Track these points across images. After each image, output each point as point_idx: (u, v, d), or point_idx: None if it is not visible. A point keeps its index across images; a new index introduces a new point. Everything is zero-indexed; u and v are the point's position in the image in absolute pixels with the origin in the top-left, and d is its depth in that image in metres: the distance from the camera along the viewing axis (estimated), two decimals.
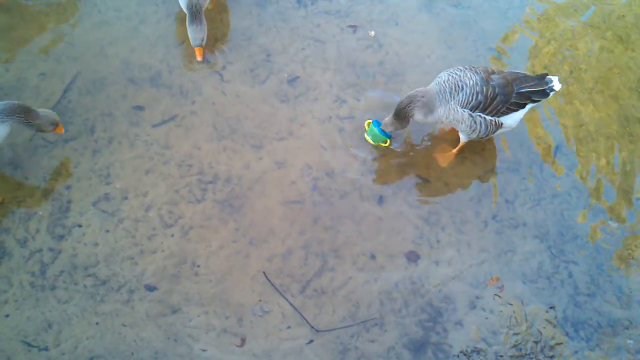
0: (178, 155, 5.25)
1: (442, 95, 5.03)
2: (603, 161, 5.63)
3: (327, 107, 5.68)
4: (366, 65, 6.01)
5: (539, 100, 5.12)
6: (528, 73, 5.19)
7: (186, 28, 5.62)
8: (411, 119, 5.17)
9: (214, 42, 5.96)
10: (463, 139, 5.33)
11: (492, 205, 5.26)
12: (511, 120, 5.16)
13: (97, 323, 4.43)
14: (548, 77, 5.14)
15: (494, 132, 5.17)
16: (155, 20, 6.10)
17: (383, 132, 5.30)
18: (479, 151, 5.51)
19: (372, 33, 6.25)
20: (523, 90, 5.02)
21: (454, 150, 5.47)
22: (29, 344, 4.30)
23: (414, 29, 6.34)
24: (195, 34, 5.62)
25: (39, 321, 4.40)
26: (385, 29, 6.29)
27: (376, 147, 5.41)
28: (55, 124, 4.90)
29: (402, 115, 5.10)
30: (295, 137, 5.47)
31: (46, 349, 4.30)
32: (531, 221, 5.21)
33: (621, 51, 6.42)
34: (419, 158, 5.45)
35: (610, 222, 5.27)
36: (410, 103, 5.04)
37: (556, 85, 5.13)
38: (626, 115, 5.94)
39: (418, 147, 5.52)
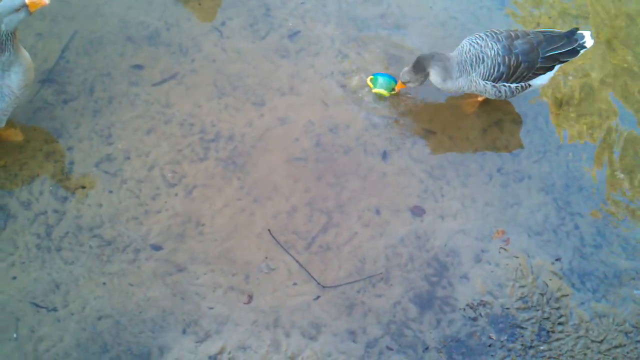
0: (179, 114, 5.19)
1: (463, 66, 4.90)
2: (610, 112, 5.56)
3: (329, 62, 5.60)
4: (367, 18, 5.90)
5: (568, 60, 4.92)
6: (556, 31, 4.92)
7: None
8: (427, 80, 5.07)
9: None
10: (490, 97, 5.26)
11: (497, 158, 5.22)
12: (540, 81, 5.01)
13: (104, 283, 4.45)
14: (579, 32, 4.87)
15: (521, 92, 5.05)
16: None
17: (389, 76, 5.26)
18: (483, 104, 5.44)
19: None
20: (550, 53, 4.80)
21: (480, 98, 5.39)
22: (37, 305, 4.33)
23: None
24: None
25: (46, 282, 4.41)
26: None
27: (387, 98, 5.34)
28: (20, 6, 4.23)
29: (420, 66, 4.97)
30: (297, 93, 5.40)
31: (55, 309, 4.33)
32: (536, 173, 5.17)
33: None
34: (422, 112, 5.39)
35: (617, 173, 5.23)
36: (432, 58, 4.93)
37: (588, 41, 4.87)
38: (635, 66, 5.84)
39: (421, 102, 5.45)
